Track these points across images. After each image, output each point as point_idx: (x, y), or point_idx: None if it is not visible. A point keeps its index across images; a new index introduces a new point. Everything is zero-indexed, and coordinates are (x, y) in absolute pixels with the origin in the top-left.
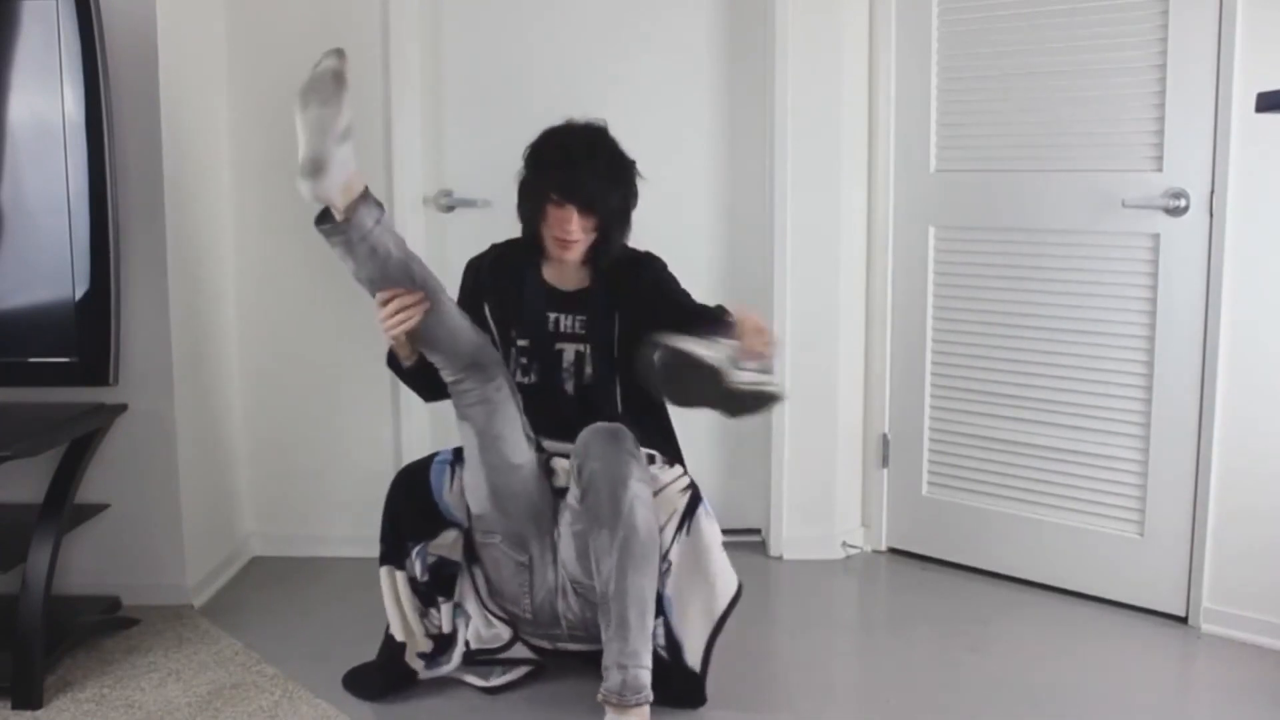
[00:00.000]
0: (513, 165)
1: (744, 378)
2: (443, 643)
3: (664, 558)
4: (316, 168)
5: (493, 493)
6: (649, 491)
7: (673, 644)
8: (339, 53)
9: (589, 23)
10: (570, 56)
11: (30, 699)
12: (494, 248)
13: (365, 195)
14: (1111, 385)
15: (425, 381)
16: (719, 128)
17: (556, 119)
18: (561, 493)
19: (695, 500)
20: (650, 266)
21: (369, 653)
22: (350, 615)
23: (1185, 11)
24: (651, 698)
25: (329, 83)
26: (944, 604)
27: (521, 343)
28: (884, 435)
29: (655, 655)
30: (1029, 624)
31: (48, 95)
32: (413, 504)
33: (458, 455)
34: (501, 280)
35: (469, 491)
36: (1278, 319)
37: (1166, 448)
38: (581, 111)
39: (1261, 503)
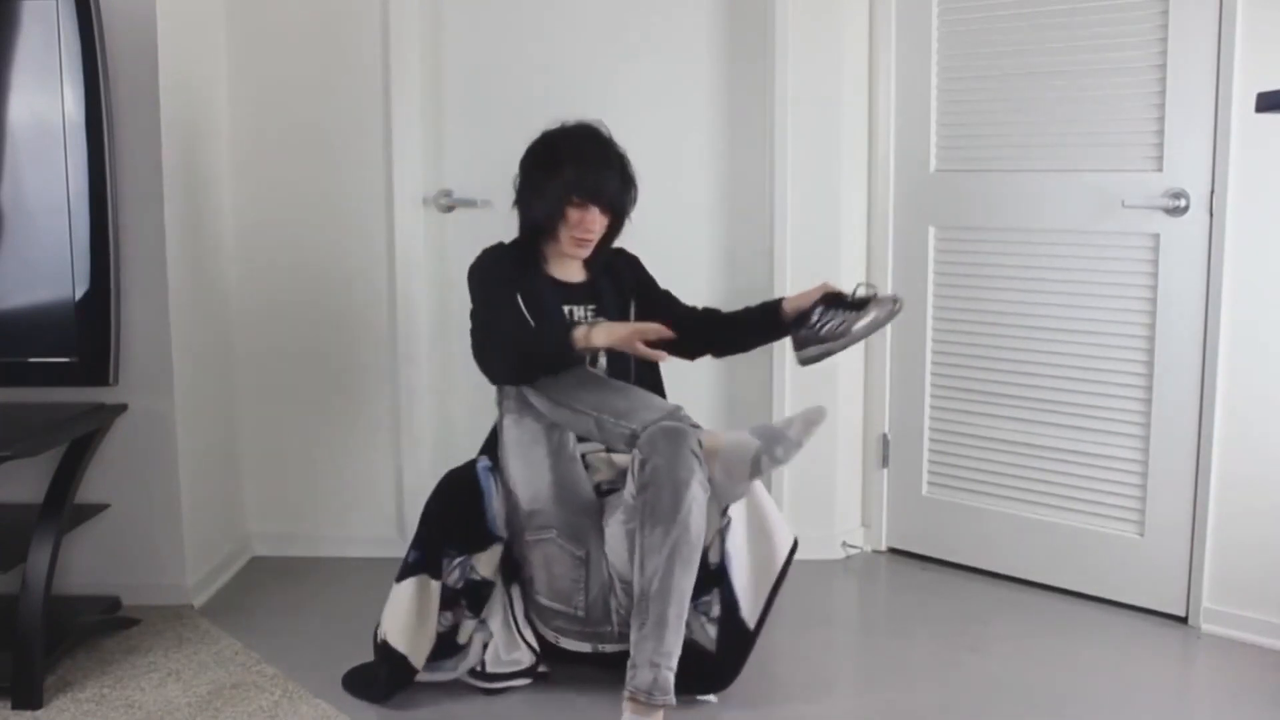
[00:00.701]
0: (512, 165)
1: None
2: (448, 647)
3: (724, 513)
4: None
5: (556, 481)
6: (706, 497)
7: (730, 602)
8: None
9: (589, 23)
10: (570, 57)
11: (30, 699)
12: (502, 247)
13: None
14: (1111, 385)
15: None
16: (719, 127)
17: (556, 119)
18: (595, 488)
19: None
20: (639, 263)
21: (369, 653)
22: (350, 615)
23: (1185, 11)
24: (674, 702)
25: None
26: (944, 604)
27: None
28: (884, 435)
29: (700, 633)
30: (1029, 624)
31: (48, 95)
32: (461, 512)
33: (496, 462)
34: (519, 275)
35: (523, 486)
36: (1278, 319)
37: (1166, 448)
38: (582, 111)
39: (1261, 502)
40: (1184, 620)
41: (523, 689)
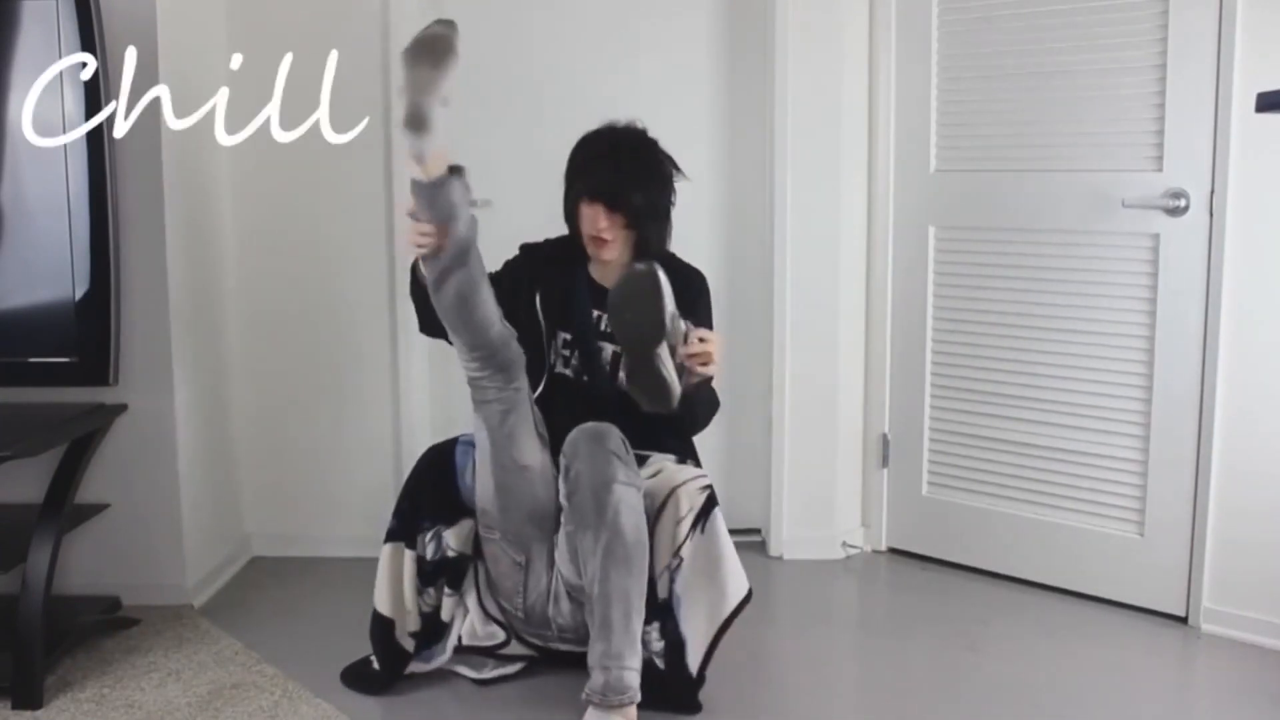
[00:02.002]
0: (513, 165)
1: (665, 360)
2: (436, 629)
3: (676, 553)
4: (419, 123)
5: (498, 490)
6: (636, 494)
7: (676, 643)
8: (451, 24)
9: (589, 23)
10: (570, 57)
11: (30, 699)
12: (547, 241)
13: (458, 169)
14: (1111, 385)
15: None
16: (719, 128)
17: (556, 119)
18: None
19: (712, 502)
20: (693, 285)
21: (368, 651)
22: (350, 615)
23: (1185, 11)
24: (638, 698)
25: (442, 48)
26: (944, 604)
27: (566, 335)
28: (884, 435)
29: (650, 660)
30: (1029, 624)
31: (48, 95)
32: (435, 484)
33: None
34: (553, 272)
35: (478, 484)
36: (1278, 319)
37: (1166, 448)
38: (581, 111)
39: (1261, 502)
40: (1184, 620)
41: (515, 682)
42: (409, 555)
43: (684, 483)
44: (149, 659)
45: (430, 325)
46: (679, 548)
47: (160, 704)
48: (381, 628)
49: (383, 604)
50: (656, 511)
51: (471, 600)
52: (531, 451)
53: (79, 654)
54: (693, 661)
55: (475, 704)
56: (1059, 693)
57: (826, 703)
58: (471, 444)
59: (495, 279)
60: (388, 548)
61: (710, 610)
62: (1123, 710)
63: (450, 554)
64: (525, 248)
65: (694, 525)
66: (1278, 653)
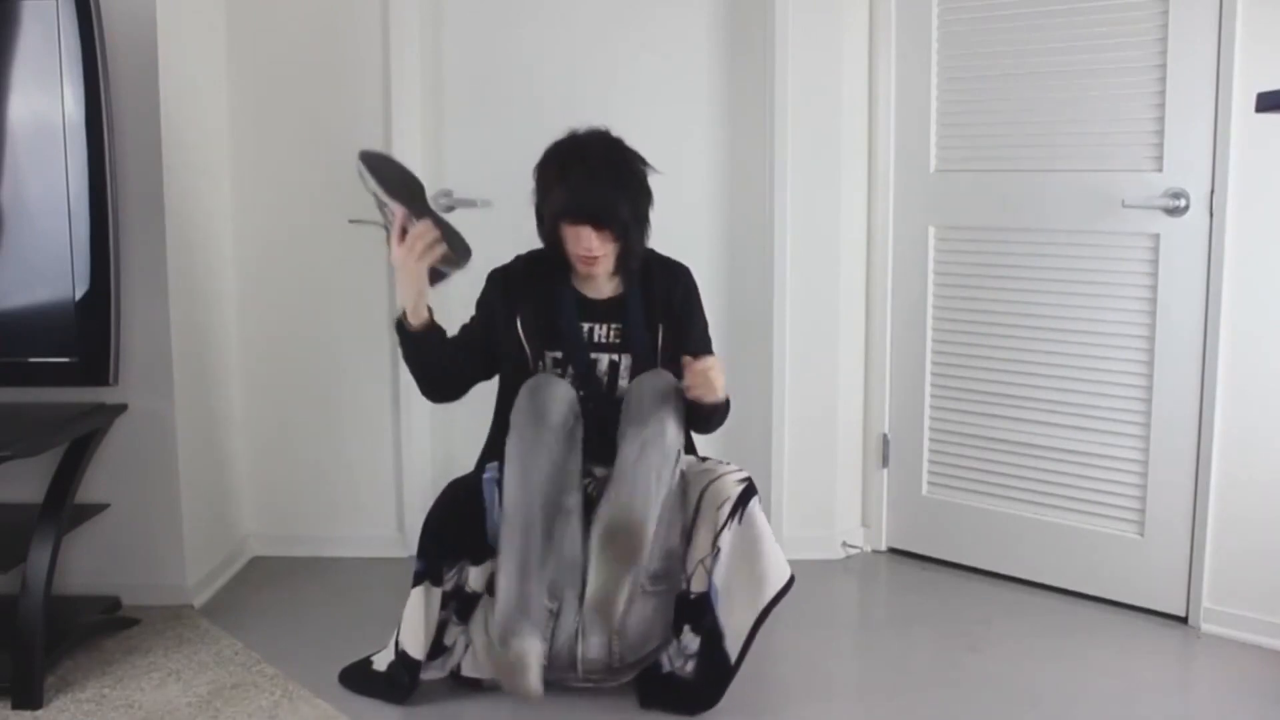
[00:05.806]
0: (513, 165)
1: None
2: (436, 647)
3: (714, 543)
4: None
5: (544, 537)
6: (677, 430)
7: (714, 634)
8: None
9: (589, 22)
10: (570, 56)
11: (30, 699)
12: (520, 259)
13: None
14: (1111, 385)
15: (432, 360)
16: (719, 128)
17: (555, 118)
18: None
19: (750, 492)
20: (683, 280)
21: (368, 652)
22: (350, 615)
23: (1185, 11)
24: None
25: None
26: (944, 604)
27: (554, 355)
28: (884, 435)
29: (673, 673)
30: (1029, 624)
31: (48, 95)
32: (462, 522)
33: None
34: (533, 291)
35: None
36: (1278, 319)
37: (1166, 448)
38: (581, 111)
39: (1261, 502)
40: (1184, 620)
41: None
42: (436, 593)
43: (721, 475)
44: (149, 659)
45: (438, 384)
46: (716, 536)
47: (160, 704)
48: (408, 669)
49: (414, 647)
50: (695, 504)
51: (479, 637)
52: (579, 496)
53: (79, 654)
54: (732, 650)
55: (479, 701)
56: (1059, 693)
57: (826, 703)
58: (495, 480)
59: (469, 324)
60: (417, 590)
61: (750, 599)
62: (1123, 710)
63: (468, 590)
64: (494, 275)
65: (732, 514)
66: (1278, 653)
